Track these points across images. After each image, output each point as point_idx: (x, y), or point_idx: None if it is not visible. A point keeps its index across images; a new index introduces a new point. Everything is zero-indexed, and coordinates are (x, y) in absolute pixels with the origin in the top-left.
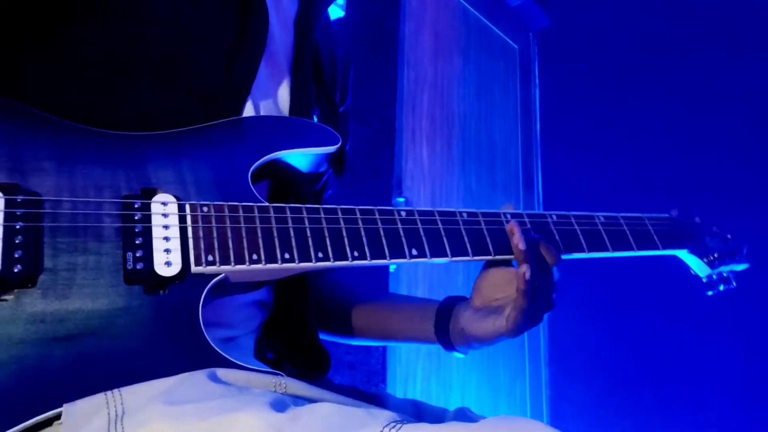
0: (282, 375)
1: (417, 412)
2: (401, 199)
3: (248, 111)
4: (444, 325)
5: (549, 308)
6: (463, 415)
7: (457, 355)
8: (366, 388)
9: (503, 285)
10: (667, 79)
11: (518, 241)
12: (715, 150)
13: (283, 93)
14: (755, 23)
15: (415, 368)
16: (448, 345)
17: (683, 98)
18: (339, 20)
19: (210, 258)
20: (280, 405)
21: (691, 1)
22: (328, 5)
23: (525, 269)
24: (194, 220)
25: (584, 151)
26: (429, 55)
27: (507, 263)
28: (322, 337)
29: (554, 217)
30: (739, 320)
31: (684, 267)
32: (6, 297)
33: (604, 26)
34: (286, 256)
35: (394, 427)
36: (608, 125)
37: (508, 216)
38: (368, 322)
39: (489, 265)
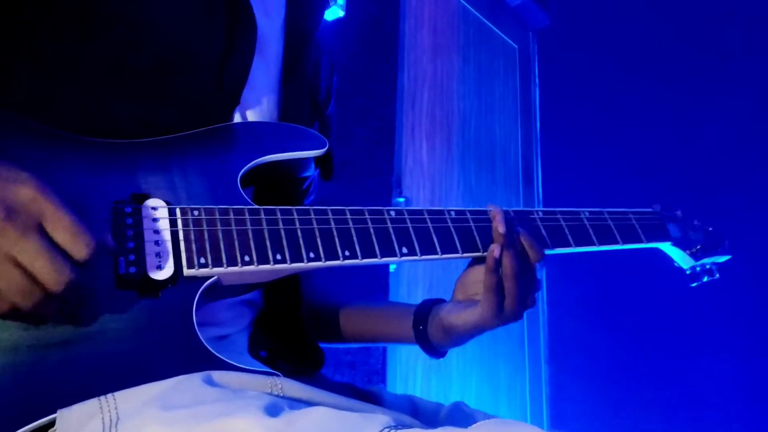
0: (279, 375)
1: (413, 408)
2: (401, 200)
3: (237, 119)
4: (423, 321)
5: (530, 305)
6: (459, 410)
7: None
8: (363, 385)
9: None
10: (665, 77)
11: (498, 224)
12: (714, 148)
13: (274, 100)
14: (754, 23)
15: (415, 367)
16: (426, 342)
17: (681, 96)
18: (339, 20)
19: (202, 260)
20: (274, 409)
21: (690, 0)
22: (320, 14)
23: (495, 248)
24: (185, 224)
25: (584, 148)
26: (428, 53)
27: None
28: None
29: (540, 213)
30: (740, 318)
31: (669, 259)
32: None
33: (604, 25)
34: (278, 256)
35: (388, 431)
36: (607, 122)
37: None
38: (348, 325)
39: (474, 261)
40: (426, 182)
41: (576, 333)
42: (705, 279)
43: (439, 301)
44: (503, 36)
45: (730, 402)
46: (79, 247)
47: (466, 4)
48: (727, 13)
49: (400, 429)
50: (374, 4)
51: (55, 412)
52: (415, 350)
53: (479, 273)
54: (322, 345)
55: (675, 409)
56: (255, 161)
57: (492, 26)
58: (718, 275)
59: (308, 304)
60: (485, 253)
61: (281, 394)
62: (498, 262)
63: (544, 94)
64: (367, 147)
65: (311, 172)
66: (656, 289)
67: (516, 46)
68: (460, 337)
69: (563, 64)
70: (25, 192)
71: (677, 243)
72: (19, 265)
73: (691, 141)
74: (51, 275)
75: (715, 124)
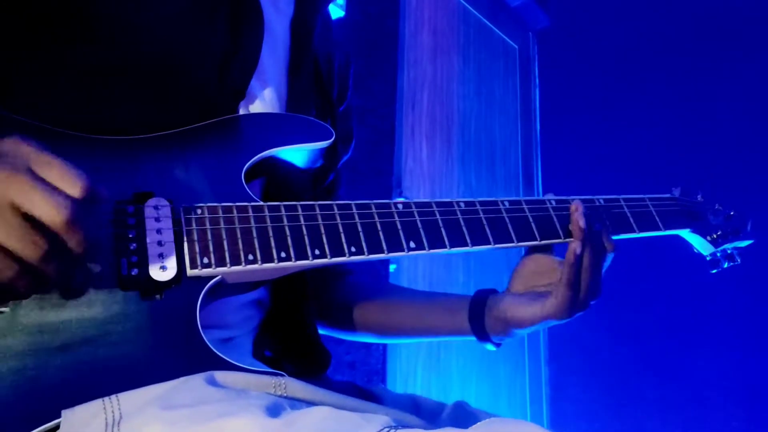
0: (283, 375)
1: (415, 406)
2: (401, 200)
3: (243, 112)
4: (479, 313)
5: (596, 296)
6: (461, 409)
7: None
8: (365, 385)
9: (546, 272)
10: (666, 77)
11: (579, 218)
12: (715, 148)
13: (281, 95)
14: (753, 23)
15: (415, 367)
16: (483, 334)
17: (682, 96)
18: (339, 20)
19: (205, 260)
20: (275, 409)
21: (690, 1)
22: (325, 7)
23: (577, 245)
24: (188, 223)
25: (584, 149)
26: (428, 54)
27: (543, 252)
28: (349, 338)
29: (553, 202)
30: (740, 317)
31: (685, 261)
32: (2, 309)
33: (604, 26)
34: (282, 254)
35: (389, 431)
36: (607, 123)
37: (506, 204)
38: (398, 319)
39: (530, 251)
40: (426, 182)
41: (576, 333)
42: (726, 265)
43: (492, 292)
44: (503, 36)
45: (730, 402)
46: (72, 182)
47: (466, 5)
48: (727, 12)
49: (400, 429)
50: (374, 4)
51: (59, 416)
52: (416, 350)
53: (539, 263)
54: (354, 339)
55: (675, 409)
56: (259, 155)
57: (492, 26)
58: (739, 260)
59: (344, 299)
60: (497, 245)
61: (284, 395)
62: (579, 258)
63: (544, 95)
64: (367, 147)
65: (320, 163)
66: (656, 289)
67: (516, 47)
68: (522, 329)
69: (563, 65)
70: (9, 141)
71: (697, 229)
72: (17, 208)
73: (692, 141)
74: (50, 208)
75: (716, 123)
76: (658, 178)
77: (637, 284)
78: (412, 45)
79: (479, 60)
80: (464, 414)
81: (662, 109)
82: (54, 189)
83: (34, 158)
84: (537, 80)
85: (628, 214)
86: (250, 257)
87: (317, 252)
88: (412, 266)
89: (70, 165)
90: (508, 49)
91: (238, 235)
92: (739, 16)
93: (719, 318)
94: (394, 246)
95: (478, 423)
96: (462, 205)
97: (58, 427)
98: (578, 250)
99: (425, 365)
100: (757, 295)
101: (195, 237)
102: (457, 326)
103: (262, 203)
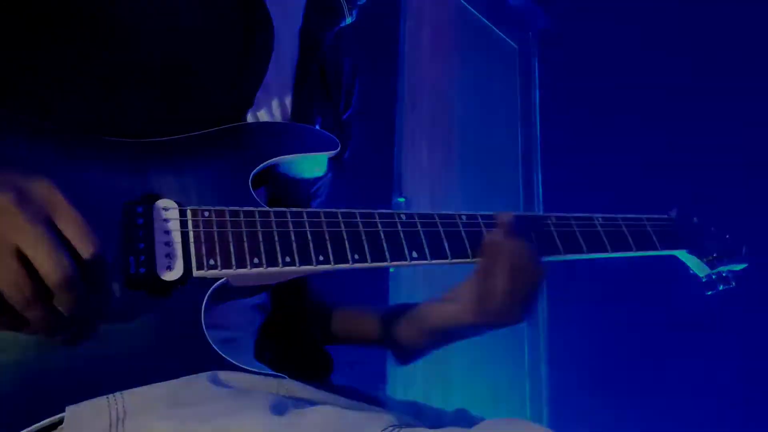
0: (284, 377)
1: (416, 413)
2: (401, 200)
3: (250, 120)
4: (393, 321)
5: (524, 308)
6: (462, 416)
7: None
8: (366, 389)
9: None
10: (667, 79)
11: (505, 216)
12: (716, 151)
13: (286, 102)
14: (754, 24)
15: (415, 369)
16: (392, 340)
17: (683, 99)
18: None
19: (212, 262)
20: (280, 408)
21: (691, 1)
22: (337, 24)
23: (495, 234)
24: (195, 225)
25: (584, 151)
26: (428, 54)
27: None
28: None
29: (554, 218)
30: (740, 320)
31: (684, 266)
32: None
33: (604, 26)
34: (287, 259)
35: (392, 430)
36: (608, 126)
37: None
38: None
39: None
40: (425, 183)
41: (576, 333)
42: (720, 287)
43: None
44: (503, 36)
45: (730, 402)
46: (85, 243)
47: (466, 4)
48: (729, 15)
49: (404, 428)
50: (374, 4)
51: (62, 411)
52: None
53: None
54: None
55: (675, 409)
56: (266, 162)
57: (492, 26)
58: (734, 284)
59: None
60: None
61: (287, 395)
62: (493, 250)
63: (544, 95)
64: (367, 148)
65: (323, 172)
66: (657, 290)
67: (516, 47)
68: (437, 333)
69: (563, 65)
70: (42, 185)
71: (693, 251)
72: (20, 254)
73: (694, 142)
74: (51, 267)
75: (718, 125)
76: (658, 179)
77: (637, 284)
78: (412, 45)
79: (479, 61)
80: (465, 421)
81: (662, 109)
82: (63, 247)
83: (59, 209)
84: (537, 80)
85: (627, 233)
86: (256, 261)
87: (321, 258)
88: (412, 268)
89: (89, 226)
90: (508, 49)
91: (244, 239)
92: (741, 17)
93: (719, 319)
94: (397, 255)
95: (482, 422)
96: (464, 217)
97: (60, 422)
98: (495, 237)
99: (426, 365)
100: (757, 296)
101: (202, 238)
102: (367, 332)
103: (268, 209)
